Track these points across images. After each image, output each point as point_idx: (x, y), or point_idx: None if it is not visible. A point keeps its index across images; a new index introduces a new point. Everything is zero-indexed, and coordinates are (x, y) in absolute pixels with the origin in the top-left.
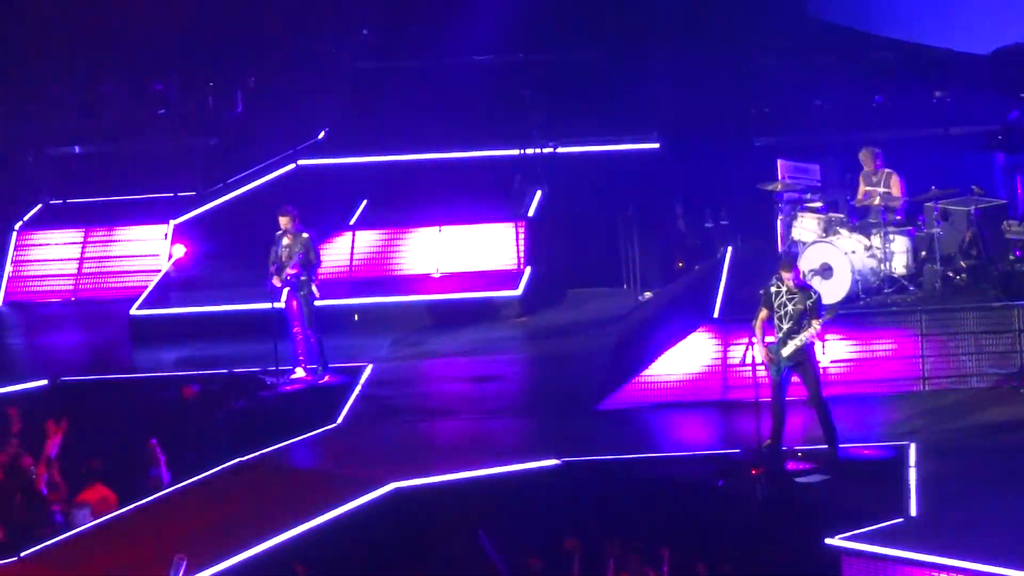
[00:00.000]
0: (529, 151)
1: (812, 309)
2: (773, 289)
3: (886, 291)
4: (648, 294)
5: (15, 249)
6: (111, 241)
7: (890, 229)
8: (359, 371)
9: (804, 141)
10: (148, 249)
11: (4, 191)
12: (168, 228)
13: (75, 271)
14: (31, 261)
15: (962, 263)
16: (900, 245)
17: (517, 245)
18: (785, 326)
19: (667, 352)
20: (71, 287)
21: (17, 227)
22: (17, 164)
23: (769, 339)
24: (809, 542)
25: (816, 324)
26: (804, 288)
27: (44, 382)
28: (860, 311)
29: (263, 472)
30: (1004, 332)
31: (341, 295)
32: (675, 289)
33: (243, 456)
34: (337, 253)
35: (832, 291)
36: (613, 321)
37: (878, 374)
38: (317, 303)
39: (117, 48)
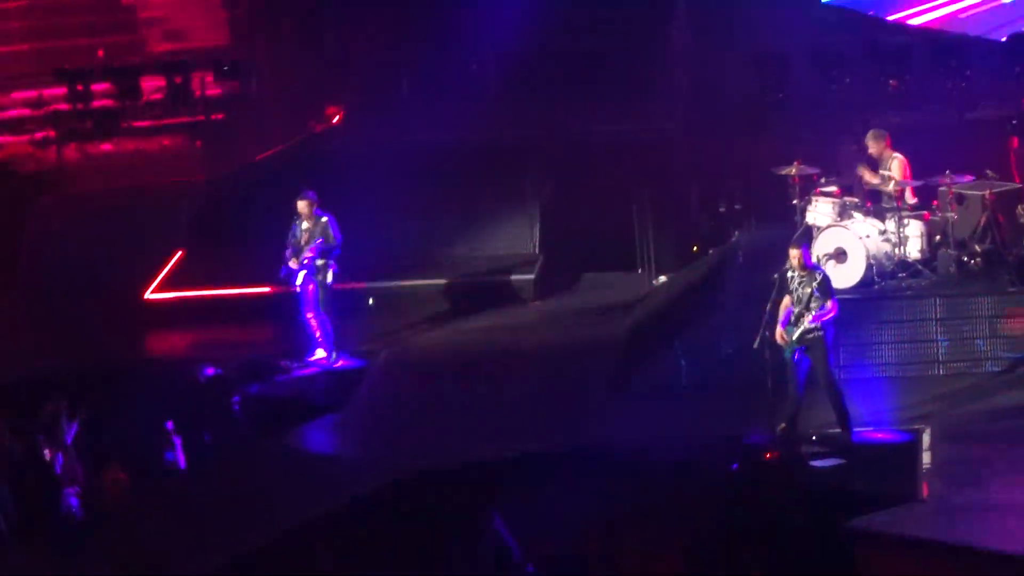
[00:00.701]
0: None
1: (822, 290)
2: (789, 274)
3: (900, 275)
4: (663, 278)
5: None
6: (125, 226)
7: (904, 213)
8: (374, 354)
9: (819, 125)
10: (164, 232)
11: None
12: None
13: (89, 254)
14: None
15: (976, 248)
16: (914, 229)
17: (532, 229)
18: (797, 309)
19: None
20: (84, 269)
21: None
22: None
23: (787, 326)
24: (823, 526)
25: (831, 310)
26: (812, 269)
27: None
28: (875, 295)
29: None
30: (1018, 317)
31: (356, 278)
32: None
33: (258, 439)
34: (352, 236)
35: (847, 275)
36: (628, 305)
37: (892, 358)
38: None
39: None
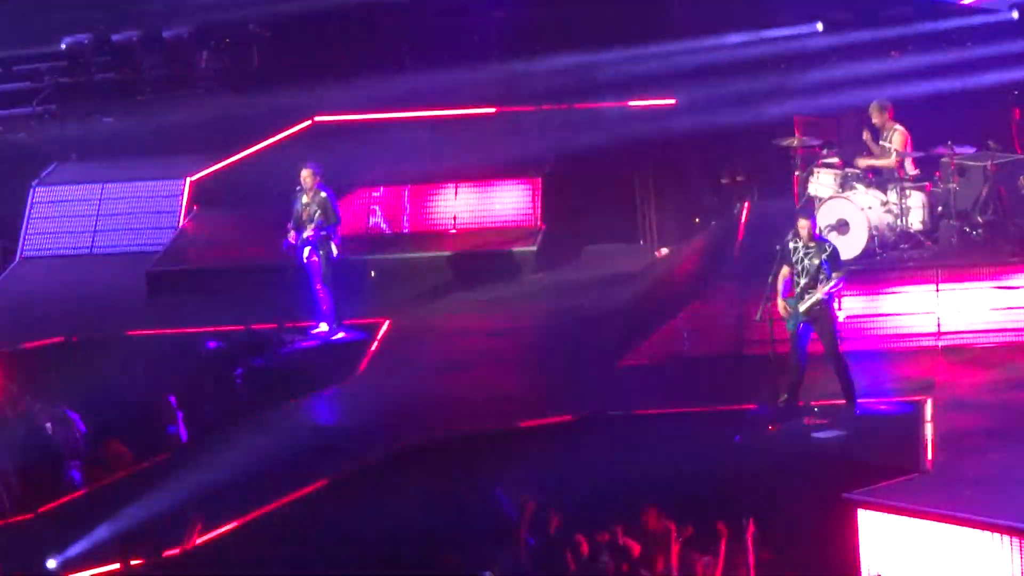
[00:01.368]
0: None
1: (832, 262)
2: (791, 245)
3: (902, 246)
4: (664, 250)
5: (32, 206)
6: (128, 197)
7: (906, 184)
8: (376, 327)
9: (821, 95)
10: (165, 205)
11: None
12: (185, 184)
13: (92, 227)
14: (48, 218)
15: (978, 219)
16: (916, 200)
17: (534, 201)
18: (803, 281)
19: (685, 308)
20: (88, 243)
21: (34, 184)
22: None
23: (790, 298)
24: (826, 496)
25: (834, 277)
26: (820, 241)
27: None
28: (877, 266)
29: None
30: (1021, 288)
31: (359, 251)
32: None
33: (261, 412)
34: (354, 209)
35: (849, 246)
36: (629, 277)
37: (894, 329)
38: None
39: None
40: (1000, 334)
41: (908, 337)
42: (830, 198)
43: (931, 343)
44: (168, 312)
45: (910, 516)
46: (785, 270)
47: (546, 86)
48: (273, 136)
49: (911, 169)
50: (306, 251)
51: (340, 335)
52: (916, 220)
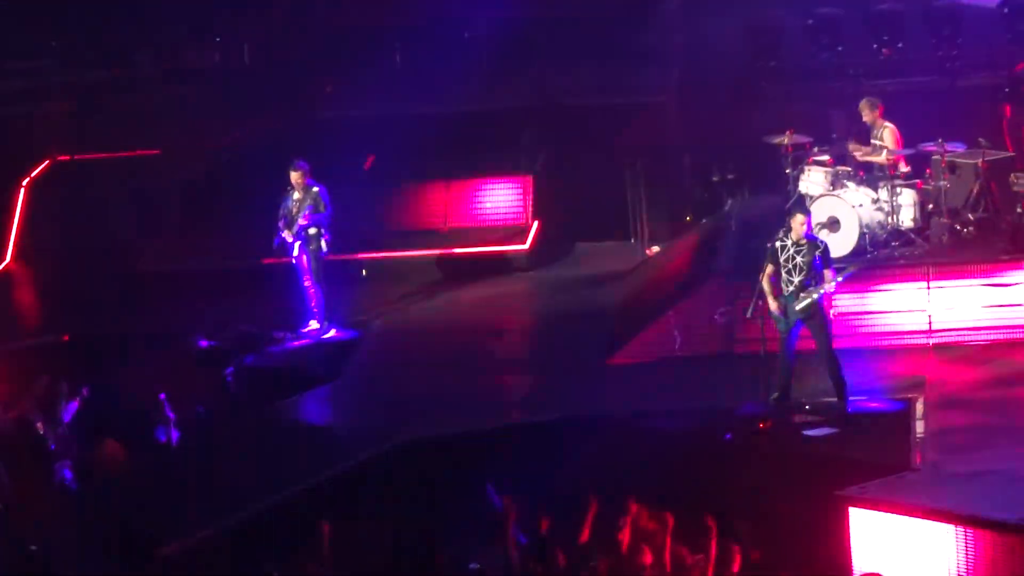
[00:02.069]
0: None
1: (824, 260)
2: (779, 244)
3: (893, 244)
4: (655, 248)
5: (23, 205)
6: (122, 195)
7: (897, 182)
8: (368, 325)
9: (811, 93)
10: (159, 203)
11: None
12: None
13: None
14: (39, 216)
15: (970, 216)
16: (907, 198)
17: (525, 199)
18: (796, 279)
19: (676, 306)
20: (81, 241)
21: (25, 183)
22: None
23: (782, 292)
24: (817, 494)
25: (830, 277)
26: (812, 239)
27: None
28: (868, 264)
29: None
30: (1012, 285)
31: (350, 249)
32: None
33: (252, 410)
34: (345, 207)
35: (840, 244)
36: (621, 275)
37: (886, 327)
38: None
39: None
40: (991, 331)
41: (899, 335)
42: (821, 196)
43: (922, 341)
44: (159, 310)
45: (902, 513)
46: (770, 268)
47: (537, 84)
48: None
49: (902, 167)
50: (296, 247)
51: (331, 333)
52: (907, 218)
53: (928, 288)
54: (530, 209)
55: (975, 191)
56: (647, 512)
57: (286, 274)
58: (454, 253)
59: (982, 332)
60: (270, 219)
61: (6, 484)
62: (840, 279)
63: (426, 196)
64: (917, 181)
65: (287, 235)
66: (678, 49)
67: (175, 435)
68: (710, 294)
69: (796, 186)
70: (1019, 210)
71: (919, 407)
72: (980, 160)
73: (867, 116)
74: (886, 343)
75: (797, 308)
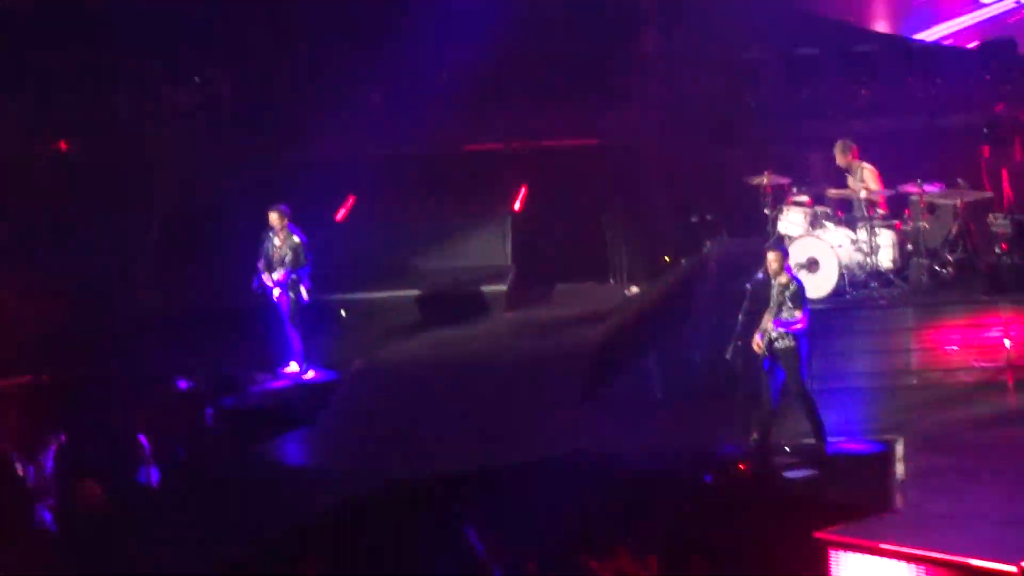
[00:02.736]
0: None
1: (794, 299)
2: (765, 280)
3: (873, 285)
4: (634, 288)
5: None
6: (102, 234)
7: (876, 223)
8: (347, 366)
9: (790, 134)
10: (139, 242)
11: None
12: (156, 223)
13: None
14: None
15: (948, 257)
16: (886, 239)
17: (504, 240)
18: (773, 317)
19: (655, 347)
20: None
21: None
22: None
23: (761, 332)
24: (798, 535)
25: (797, 313)
26: (791, 278)
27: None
28: (848, 305)
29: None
30: (990, 326)
31: (330, 290)
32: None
33: (232, 451)
34: (324, 248)
35: (819, 285)
36: (600, 315)
37: (866, 368)
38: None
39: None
40: (971, 372)
41: (880, 375)
42: (800, 236)
43: (902, 381)
44: (141, 350)
45: (883, 556)
46: (752, 307)
47: (516, 124)
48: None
49: (881, 207)
50: (276, 291)
51: (310, 374)
52: (886, 258)
53: (908, 328)
54: (509, 250)
55: (954, 232)
56: (630, 556)
57: (266, 315)
58: (433, 294)
59: (961, 372)
60: (251, 259)
61: None
62: (792, 318)
63: (405, 237)
64: (896, 222)
65: (267, 279)
66: (656, 90)
67: (155, 476)
68: (689, 335)
69: (775, 227)
70: (998, 251)
71: (899, 448)
72: (959, 201)
73: (841, 160)
74: (866, 384)
75: (776, 347)
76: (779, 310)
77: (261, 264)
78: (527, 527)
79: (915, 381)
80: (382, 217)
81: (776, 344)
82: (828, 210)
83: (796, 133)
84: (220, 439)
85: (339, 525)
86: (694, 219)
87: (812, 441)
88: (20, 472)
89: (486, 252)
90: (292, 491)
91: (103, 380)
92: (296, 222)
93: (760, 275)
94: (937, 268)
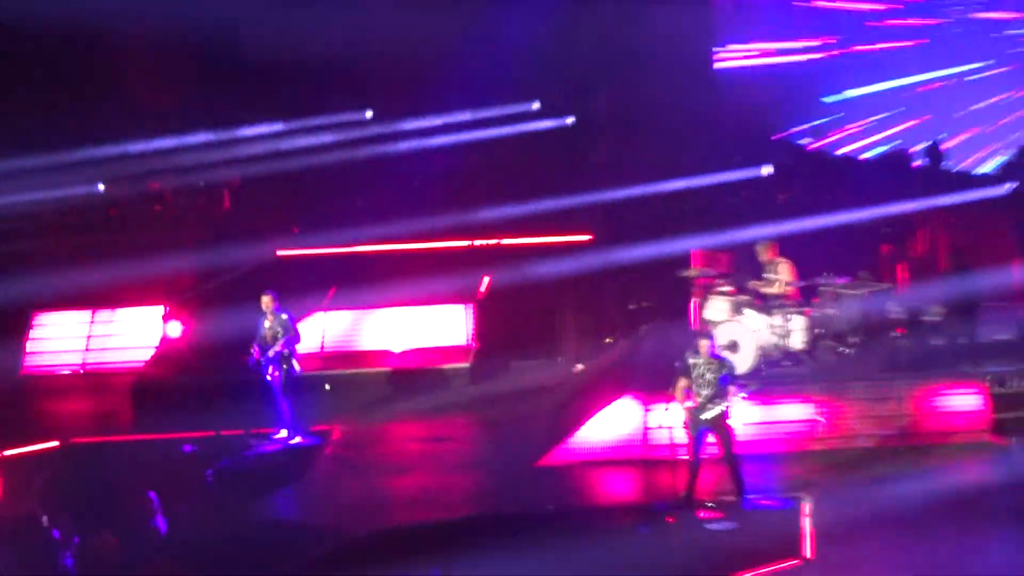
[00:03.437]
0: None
1: (730, 376)
2: (691, 361)
3: (785, 363)
4: (580, 366)
5: (31, 328)
6: (115, 320)
7: (789, 310)
8: (329, 433)
9: (717, 232)
10: (147, 326)
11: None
12: (166, 307)
13: (83, 347)
14: (45, 338)
15: (851, 339)
16: (798, 323)
17: (468, 323)
18: (704, 392)
19: (596, 416)
20: (80, 361)
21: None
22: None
23: (688, 403)
24: None
25: (735, 392)
26: (718, 358)
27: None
28: (764, 381)
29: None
30: (887, 399)
31: (314, 367)
32: (603, 362)
33: (229, 507)
34: (310, 330)
35: (739, 363)
36: (549, 389)
37: (780, 435)
38: (296, 372)
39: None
40: (869, 438)
41: (791, 441)
42: (723, 321)
43: (811, 447)
44: (151, 419)
45: None
46: (684, 382)
47: (480, 224)
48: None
49: (794, 296)
50: (269, 368)
51: (297, 440)
52: (797, 340)
53: (816, 401)
54: (473, 331)
55: (857, 320)
56: None
57: (260, 387)
58: (405, 368)
59: (861, 439)
60: (246, 339)
61: (13, 571)
62: (744, 394)
63: (380, 320)
64: (807, 309)
65: (261, 356)
66: (602, 196)
67: (163, 527)
68: (627, 406)
69: (702, 313)
70: (894, 334)
71: (808, 504)
72: (862, 291)
73: (763, 256)
74: (780, 449)
75: (704, 417)
76: (716, 387)
77: (256, 343)
78: (485, 570)
79: (821, 447)
80: (362, 303)
81: (707, 413)
82: (748, 298)
83: (723, 233)
84: (218, 495)
85: (319, 572)
86: (632, 306)
87: (732, 498)
88: (46, 523)
89: (452, 334)
90: (278, 541)
91: (120, 444)
92: (284, 305)
93: (690, 355)
94: (842, 349)
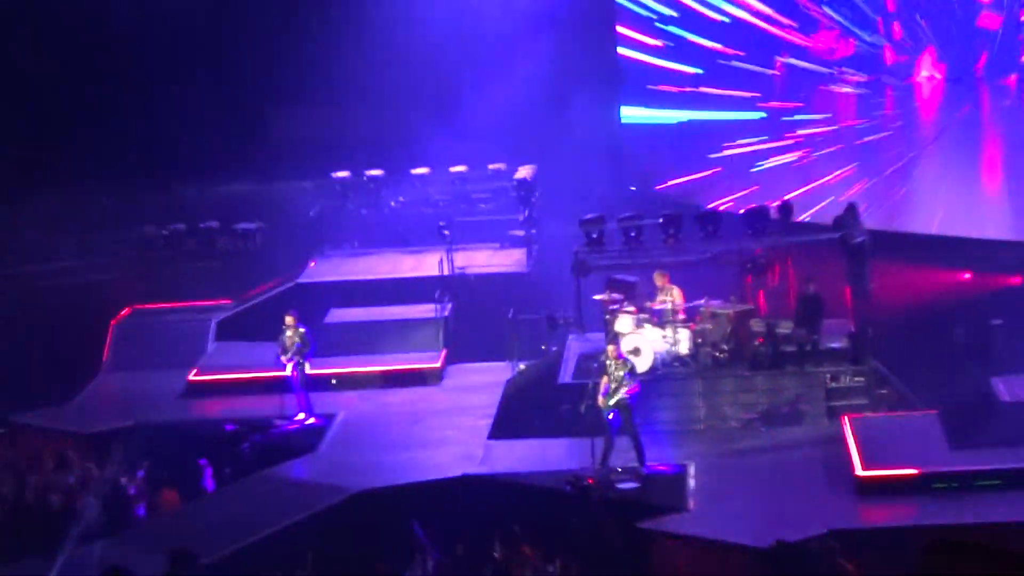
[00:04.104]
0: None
1: (631, 374)
2: (606, 361)
3: (675, 365)
4: (522, 366)
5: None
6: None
7: (678, 325)
8: (334, 417)
9: (623, 267)
10: (200, 337)
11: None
12: (213, 322)
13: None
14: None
15: (724, 347)
16: (684, 335)
17: (439, 334)
18: (613, 385)
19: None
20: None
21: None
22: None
23: (604, 393)
24: (627, 526)
25: (629, 383)
26: (623, 359)
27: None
28: (659, 377)
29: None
30: (751, 391)
31: (324, 366)
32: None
33: (260, 471)
34: (320, 339)
35: (640, 365)
36: (501, 383)
37: (671, 418)
38: (308, 371)
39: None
40: (738, 421)
41: (679, 422)
42: (628, 333)
43: (694, 427)
44: (203, 407)
45: (678, 539)
46: (604, 379)
47: (448, 262)
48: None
49: (681, 314)
50: (289, 367)
51: (311, 421)
52: (684, 348)
53: (697, 393)
54: (442, 340)
55: (728, 331)
56: (519, 541)
57: (284, 382)
58: (392, 369)
59: (732, 420)
60: (273, 347)
61: (99, 518)
62: (632, 387)
63: (375, 331)
64: (691, 324)
65: (284, 359)
66: (536, 237)
67: (211, 486)
68: (558, 395)
69: (611, 326)
70: (756, 343)
71: (691, 470)
72: (731, 311)
73: (658, 282)
74: (671, 428)
75: (611, 403)
76: (620, 382)
77: (279, 349)
78: (456, 524)
79: (702, 427)
80: (359, 319)
81: (615, 401)
82: (647, 316)
83: (628, 267)
84: (250, 463)
85: (328, 520)
86: (560, 321)
87: (636, 465)
88: (124, 484)
89: (426, 342)
90: (296, 497)
91: (180, 424)
92: (303, 320)
93: (605, 358)
94: (717, 354)
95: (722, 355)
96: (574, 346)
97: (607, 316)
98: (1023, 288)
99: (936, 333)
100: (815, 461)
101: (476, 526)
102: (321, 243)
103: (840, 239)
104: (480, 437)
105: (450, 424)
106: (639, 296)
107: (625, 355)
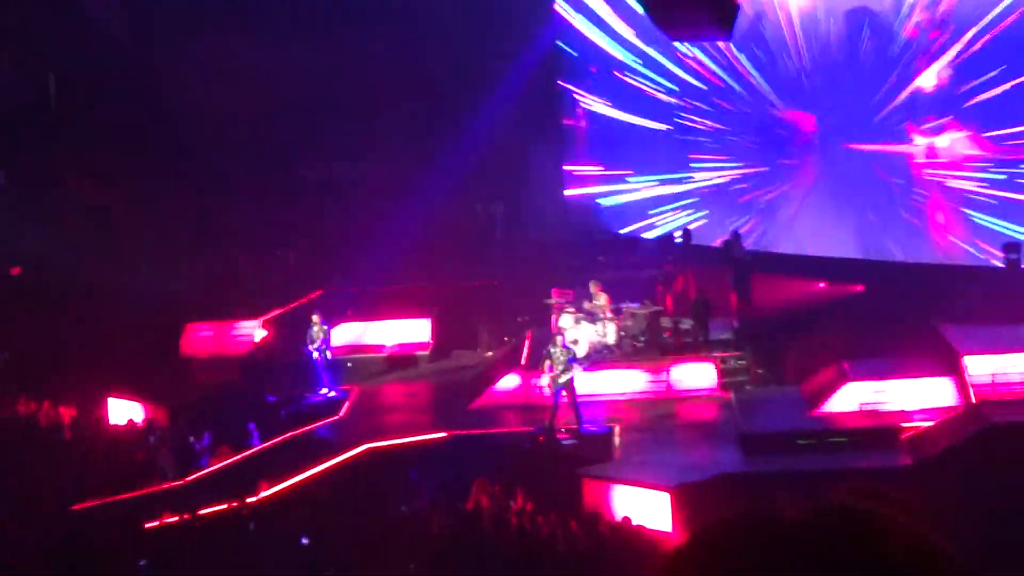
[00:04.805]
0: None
1: (572, 358)
2: (552, 349)
3: (605, 351)
4: (489, 353)
5: (184, 334)
6: (233, 328)
7: (607, 321)
8: (350, 391)
9: (567, 282)
10: (250, 331)
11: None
12: (260, 321)
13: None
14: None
15: (641, 338)
16: (611, 330)
17: (428, 328)
18: (559, 368)
19: (500, 381)
20: (212, 351)
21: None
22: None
23: (551, 374)
24: (569, 472)
25: (574, 367)
26: (565, 347)
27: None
28: (593, 361)
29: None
30: (661, 371)
31: (341, 353)
32: (503, 351)
33: (293, 432)
34: (338, 333)
35: (578, 351)
36: (474, 366)
37: (602, 391)
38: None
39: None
40: (652, 393)
41: (609, 394)
42: (570, 327)
43: (620, 399)
44: (252, 385)
45: (609, 482)
46: (547, 362)
47: (434, 274)
48: (302, 299)
49: (610, 314)
50: (315, 353)
51: (333, 394)
52: (611, 339)
53: (618, 369)
54: (432, 332)
55: (644, 327)
56: (490, 486)
57: (312, 364)
58: (394, 353)
59: (645, 395)
60: (305, 338)
61: (173, 467)
62: (581, 368)
63: (379, 327)
64: (616, 320)
65: (311, 347)
66: (503, 256)
67: (257, 443)
68: (518, 376)
69: (558, 322)
70: (664, 336)
71: (617, 430)
72: (646, 311)
73: (592, 289)
74: (603, 399)
75: (560, 381)
76: (564, 364)
77: (308, 339)
78: (442, 470)
79: (625, 398)
80: (365, 319)
81: (560, 379)
82: (584, 315)
83: (571, 279)
84: (287, 426)
85: (349, 469)
86: (520, 320)
87: (575, 427)
88: (192, 442)
89: (418, 334)
90: (322, 450)
91: (235, 395)
92: (327, 319)
93: (551, 346)
94: (636, 344)
95: (640, 344)
96: (533, 337)
97: (553, 315)
98: (863, 294)
99: (800, 328)
100: (711, 424)
101: (457, 472)
102: None
103: (727, 257)
104: (460, 404)
105: (437, 396)
106: (577, 299)
107: (568, 344)
